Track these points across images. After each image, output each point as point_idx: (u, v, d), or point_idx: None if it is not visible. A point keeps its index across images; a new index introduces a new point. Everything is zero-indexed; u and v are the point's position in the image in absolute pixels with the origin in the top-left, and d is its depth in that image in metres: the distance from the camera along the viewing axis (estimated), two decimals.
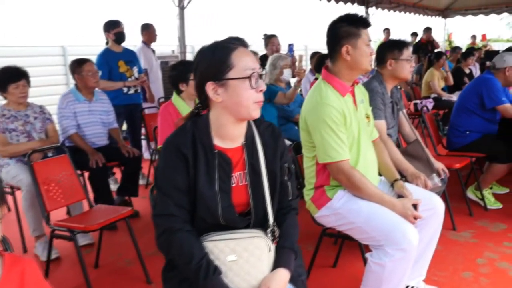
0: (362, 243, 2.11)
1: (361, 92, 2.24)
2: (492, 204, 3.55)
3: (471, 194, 3.68)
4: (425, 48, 8.97)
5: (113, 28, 4.20)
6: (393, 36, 11.07)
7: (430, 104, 5.86)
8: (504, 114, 3.41)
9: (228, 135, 1.41)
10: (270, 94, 3.73)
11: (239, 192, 1.42)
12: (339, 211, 2.06)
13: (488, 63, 6.04)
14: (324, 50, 2.56)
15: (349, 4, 10.22)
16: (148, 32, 5.39)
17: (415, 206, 2.01)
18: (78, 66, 3.38)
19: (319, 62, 4.68)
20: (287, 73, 4.11)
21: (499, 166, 3.46)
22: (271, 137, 1.48)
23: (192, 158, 1.36)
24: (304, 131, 2.12)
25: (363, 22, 2.06)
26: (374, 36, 11.14)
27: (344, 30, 2.03)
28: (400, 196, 2.12)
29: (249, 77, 1.33)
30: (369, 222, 1.97)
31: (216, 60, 1.34)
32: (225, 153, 1.40)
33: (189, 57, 7.62)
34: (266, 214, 1.42)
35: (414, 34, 10.46)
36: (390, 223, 1.92)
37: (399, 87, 6.70)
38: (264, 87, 1.38)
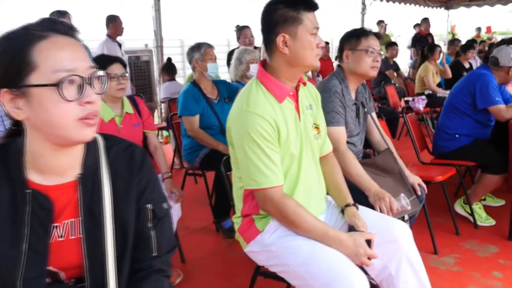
0: None
1: (309, 96, 1.76)
2: (484, 220, 3.06)
3: (459, 208, 3.19)
4: (424, 41, 8.40)
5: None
6: (391, 29, 10.55)
7: (422, 101, 5.35)
8: (497, 116, 2.91)
9: (49, 167, 0.95)
10: (232, 93, 3.26)
11: (67, 249, 0.96)
12: (271, 248, 1.60)
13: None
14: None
15: None
16: (115, 24, 4.95)
17: (369, 242, 1.55)
18: None
19: None
20: (254, 68, 3.63)
21: (491, 177, 2.97)
22: (127, 166, 1.02)
23: None
24: (230, 144, 1.66)
25: (305, 3, 1.55)
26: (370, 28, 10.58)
27: (280, 14, 1.54)
28: (352, 227, 1.66)
29: (57, 84, 0.87)
30: (307, 266, 1.50)
31: (8, 56, 0.88)
32: (44, 194, 0.94)
33: (168, 52, 7.17)
34: (106, 282, 0.96)
35: (417, 25, 9.87)
36: (333, 268, 1.46)
37: (387, 83, 6.20)
38: (93, 98, 0.91)
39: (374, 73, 2.23)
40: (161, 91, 5.38)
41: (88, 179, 0.98)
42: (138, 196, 1.01)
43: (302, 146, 1.64)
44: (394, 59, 7.25)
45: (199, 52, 3.08)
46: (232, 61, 3.74)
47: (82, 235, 0.96)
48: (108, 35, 4.98)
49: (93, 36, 5.56)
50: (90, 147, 1.01)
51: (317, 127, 1.74)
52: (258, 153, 1.51)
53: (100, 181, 0.98)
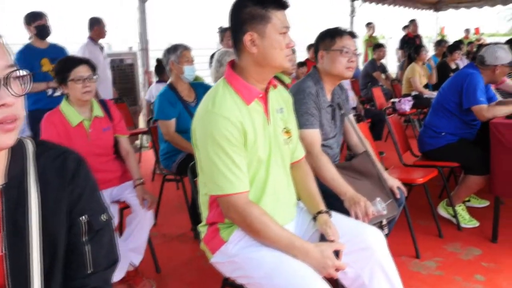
0: None
1: (280, 99, 1.68)
2: (467, 222, 3.00)
3: (442, 210, 3.14)
4: (412, 43, 8.38)
5: (34, 21, 3.65)
6: (379, 31, 10.54)
7: (409, 103, 5.31)
8: (478, 115, 2.86)
9: None
10: None
11: None
12: (235, 259, 1.52)
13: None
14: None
15: None
16: (99, 27, 4.85)
17: (337, 253, 1.47)
18: None
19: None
20: None
21: (474, 178, 2.92)
22: (58, 174, 0.93)
23: None
24: (195, 147, 1.58)
25: (275, 1, 1.47)
26: (360, 32, 10.57)
27: (248, 11, 1.46)
28: (323, 235, 1.59)
29: None
30: (271, 279, 1.43)
31: None
32: None
33: (155, 55, 7.10)
34: None
35: (406, 27, 9.86)
36: (298, 281, 1.39)
37: (374, 85, 6.15)
38: (8, 100, 0.82)
39: (349, 73, 2.17)
40: (147, 92, 5.29)
41: (13, 190, 0.89)
42: (71, 208, 0.93)
43: (271, 151, 1.57)
44: (382, 60, 7.21)
45: (175, 54, 3.00)
46: (213, 63, 3.66)
47: (5, 251, 0.88)
48: (90, 38, 4.88)
49: (74, 38, 5.44)
50: (16, 154, 0.92)
51: (287, 132, 1.66)
52: (223, 157, 1.44)
53: (27, 191, 0.90)
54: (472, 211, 3.15)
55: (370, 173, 2.25)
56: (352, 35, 2.16)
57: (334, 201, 1.97)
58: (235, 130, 1.44)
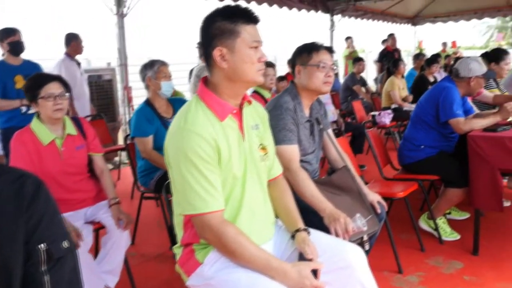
0: None
1: (255, 115, 1.64)
2: (448, 235, 3.00)
3: (423, 224, 3.13)
4: (390, 56, 8.51)
5: (7, 37, 3.57)
6: (360, 45, 10.68)
7: (389, 116, 5.35)
8: (455, 128, 2.88)
9: None
10: None
11: None
12: (210, 281, 1.47)
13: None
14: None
15: (312, 11, 9.80)
16: (76, 42, 4.78)
17: (315, 272, 1.43)
18: None
19: None
20: None
21: (453, 190, 2.92)
22: (14, 201, 0.87)
23: None
24: (168, 165, 1.53)
25: (244, 15, 1.45)
26: (340, 46, 10.71)
27: (217, 26, 1.43)
28: (302, 255, 1.54)
29: None
30: None
31: None
32: None
33: (133, 70, 7.04)
34: None
35: (385, 41, 10.01)
36: None
37: (354, 98, 6.20)
38: None
39: (326, 88, 2.15)
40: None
41: None
42: (28, 236, 0.87)
43: (246, 168, 1.53)
44: (362, 74, 7.29)
45: (152, 69, 2.96)
46: (192, 78, 3.64)
47: None
48: (66, 54, 4.81)
49: (50, 55, 5.34)
50: None
51: (263, 148, 1.63)
52: (196, 175, 1.39)
53: None
54: (453, 223, 3.16)
55: (350, 188, 2.23)
56: (329, 50, 2.16)
57: (313, 218, 1.94)
58: (208, 147, 1.40)
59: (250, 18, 1.46)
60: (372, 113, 5.70)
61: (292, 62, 2.20)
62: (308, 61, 2.12)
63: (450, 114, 2.87)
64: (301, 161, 2.20)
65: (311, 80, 2.12)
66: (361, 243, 2.03)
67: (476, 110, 3.34)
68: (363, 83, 7.23)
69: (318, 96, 2.37)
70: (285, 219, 1.68)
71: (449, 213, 3.34)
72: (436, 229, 2.99)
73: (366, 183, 3.04)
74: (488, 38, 38.96)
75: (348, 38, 9.73)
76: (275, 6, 8.55)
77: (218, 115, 1.47)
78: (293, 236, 1.61)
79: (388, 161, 3.31)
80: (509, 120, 2.90)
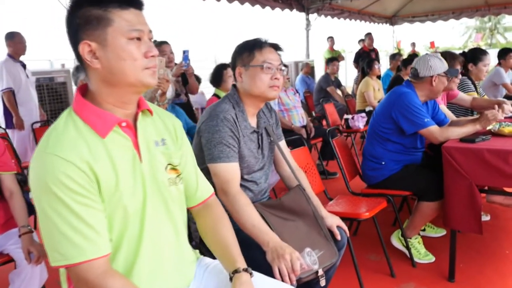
0: None
1: (162, 127, 1.27)
2: (422, 257, 2.67)
3: (396, 241, 2.80)
4: (366, 56, 8.23)
5: None
6: (340, 45, 10.41)
7: (362, 119, 5.05)
8: (430, 138, 2.56)
9: None
10: None
11: None
12: None
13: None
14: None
15: (287, 10, 9.48)
16: (13, 42, 4.36)
17: None
18: None
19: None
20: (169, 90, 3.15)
21: (428, 204, 2.58)
22: None
23: None
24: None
25: None
26: (317, 45, 10.44)
27: (81, 14, 1.07)
28: None
29: None
30: None
31: None
32: None
33: None
34: None
35: (362, 41, 9.75)
36: None
37: (329, 100, 5.88)
38: None
39: (273, 93, 1.79)
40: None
41: None
42: None
43: (146, 197, 1.17)
44: (341, 75, 7.00)
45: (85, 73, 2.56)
46: None
47: None
48: (8, 55, 4.37)
49: None
50: None
51: (174, 169, 1.26)
52: (63, 213, 1.02)
53: None
54: (428, 241, 2.84)
55: (304, 212, 1.88)
56: (275, 47, 1.80)
57: (257, 254, 1.60)
58: (79, 175, 1.04)
59: (126, 1, 1.09)
60: (346, 116, 5.39)
61: (232, 64, 1.83)
62: (250, 61, 1.76)
63: (419, 125, 2.53)
64: (246, 180, 1.85)
65: (254, 84, 1.77)
66: (315, 278, 1.69)
67: (452, 117, 3.03)
68: (338, 84, 6.93)
69: (268, 102, 2.02)
70: (221, 255, 1.33)
71: (424, 230, 3.03)
72: (409, 250, 2.66)
73: (330, 199, 2.72)
74: (466, 39, 39.48)
75: (329, 38, 9.43)
76: (247, 4, 8.22)
77: (98, 130, 1.10)
78: (231, 279, 1.26)
79: (356, 171, 2.98)
80: (489, 128, 2.59)
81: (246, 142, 1.80)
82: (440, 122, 2.74)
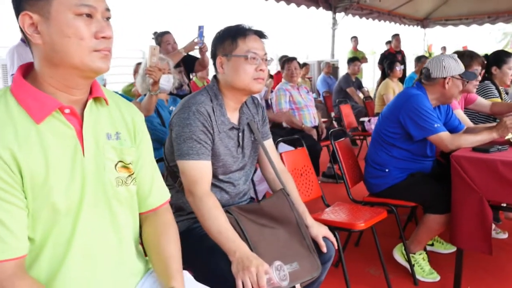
0: None
1: (118, 118, 1.13)
2: (426, 275, 2.43)
3: (398, 255, 2.57)
4: (392, 58, 7.90)
5: None
6: (362, 46, 10.08)
7: None
8: (440, 146, 2.32)
9: None
10: None
11: None
12: None
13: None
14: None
15: (313, 8, 9.25)
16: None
17: None
18: None
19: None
20: (165, 80, 3.02)
21: (434, 217, 2.34)
22: None
23: None
24: None
25: None
26: (343, 45, 10.16)
27: None
28: None
29: None
30: None
31: None
32: None
33: None
34: None
35: (389, 43, 9.42)
36: None
37: (345, 101, 5.64)
38: None
39: (258, 86, 1.62)
40: None
41: None
42: None
43: (84, 196, 1.02)
44: (364, 76, 6.75)
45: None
46: (140, 72, 3.13)
47: None
48: (22, 39, 4.33)
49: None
50: None
51: (125, 167, 1.11)
52: None
53: None
54: (435, 258, 2.61)
55: (286, 219, 1.70)
56: (260, 34, 1.62)
57: (221, 262, 1.44)
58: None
59: None
60: (362, 119, 5.14)
61: (212, 52, 1.66)
62: (232, 50, 1.59)
63: (428, 130, 2.30)
64: (221, 180, 1.68)
65: (237, 76, 1.59)
66: None
67: (468, 123, 2.77)
68: (359, 85, 6.68)
69: (255, 97, 1.85)
70: (158, 269, 1.16)
71: (432, 245, 2.78)
72: (411, 266, 2.43)
73: (328, 206, 2.52)
74: (504, 45, 37.98)
75: (353, 38, 9.14)
76: (271, 1, 8.05)
77: (32, 114, 0.96)
78: None
79: (360, 177, 2.76)
80: (508, 137, 2.33)
81: (222, 139, 1.63)
82: (454, 129, 2.49)
